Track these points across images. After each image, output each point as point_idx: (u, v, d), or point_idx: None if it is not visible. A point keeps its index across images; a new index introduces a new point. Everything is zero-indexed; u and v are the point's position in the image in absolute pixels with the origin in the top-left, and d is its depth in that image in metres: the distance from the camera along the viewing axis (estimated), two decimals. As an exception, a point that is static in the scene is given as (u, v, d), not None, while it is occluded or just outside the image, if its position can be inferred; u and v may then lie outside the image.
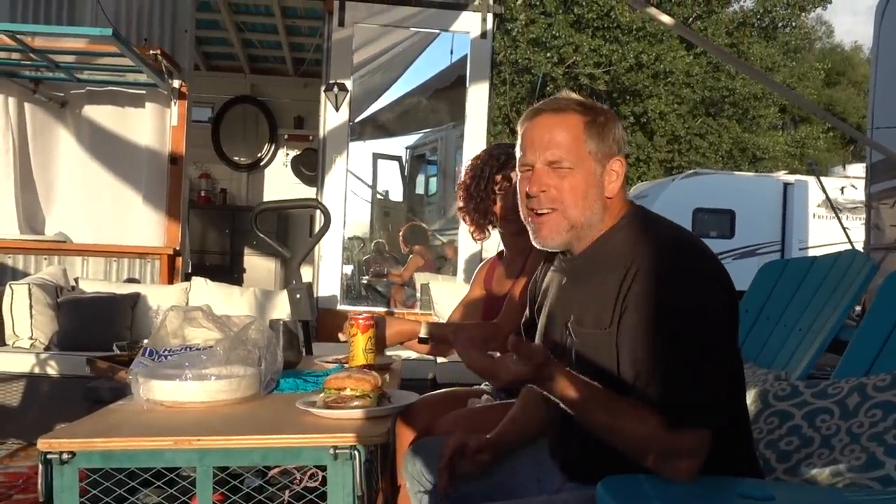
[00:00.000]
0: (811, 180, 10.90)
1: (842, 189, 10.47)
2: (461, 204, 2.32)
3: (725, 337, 1.29)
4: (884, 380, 1.65)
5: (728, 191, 11.92)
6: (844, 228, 6.90)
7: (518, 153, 1.45)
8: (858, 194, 9.40)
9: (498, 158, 2.21)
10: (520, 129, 1.46)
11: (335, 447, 1.40)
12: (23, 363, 3.83)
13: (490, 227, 2.30)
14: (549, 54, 16.85)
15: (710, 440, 1.22)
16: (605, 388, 1.27)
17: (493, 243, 5.34)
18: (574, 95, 1.46)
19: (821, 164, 16.38)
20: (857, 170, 10.66)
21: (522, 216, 1.46)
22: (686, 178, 12.46)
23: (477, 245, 5.49)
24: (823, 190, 7.38)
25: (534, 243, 1.45)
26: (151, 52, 4.80)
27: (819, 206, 11.19)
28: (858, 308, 3.79)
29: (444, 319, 4.39)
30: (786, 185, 11.82)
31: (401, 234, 8.19)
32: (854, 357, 1.83)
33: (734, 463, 1.33)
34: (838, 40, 28.10)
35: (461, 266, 5.61)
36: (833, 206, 7.81)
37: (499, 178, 2.19)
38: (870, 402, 1.63)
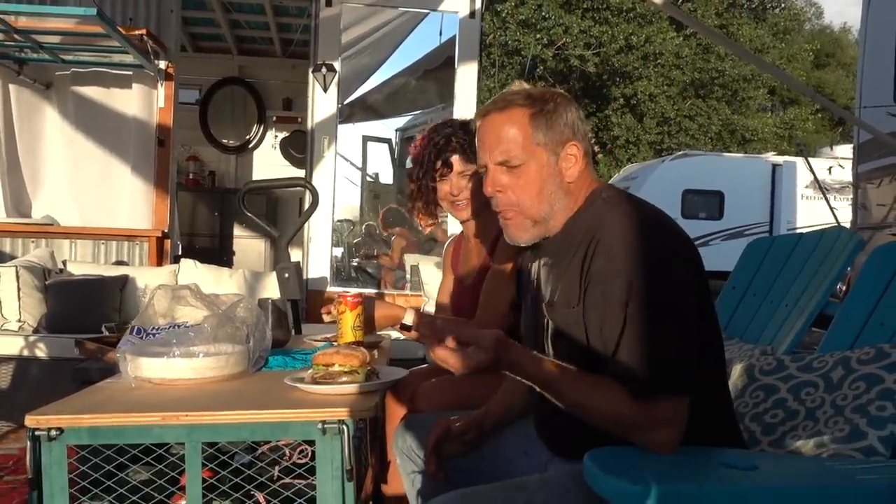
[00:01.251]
0: (799, 161, 10.94)
1: (829, 169, 10.52)
2: (408, 191, 2.25)
3: (688, 304, 1.27)
4: (868, 353, 1.67)
5: (717, 172, 11.96)
6: (832, 208, 6.95)
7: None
8: (846, 174, 9.44)
9: (436, 144, 2.13)
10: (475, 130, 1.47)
11: (323, 422, 1.40)
12: (11, 346, 3.82)
13: (438, 214, 2.26)
14: (538, 36, 16.81)
15: (687, 409, 1.22)
16: (571, 367, 1.29)
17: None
18: (524, 86, 1.45)
19: (809, 146, 16.45)
20: (845, 150, 10.71)
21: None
22: (675, 159, 12.49)
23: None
24: (811, 170, 7.41)
25: (507, 240, 1.47)
26: (137, 32, 4.76)
27: (807, 187, 11.25)
28: (843, 287, 3.82)
29: (433, 300, 4.41)
30: (774, 166, 11.87)
31: (379, 217, 8.17)
32: (839, 331, 1.84)
33: (717, 435, 1.34)
34: (828, 21, 28.14)
35: (451, 247, 5.60)
36: (821, 187, 7.85)
37: (438, 163, 2.11)
38: (854, 375, 1.65)
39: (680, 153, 13.46)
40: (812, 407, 1.67)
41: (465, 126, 2.16)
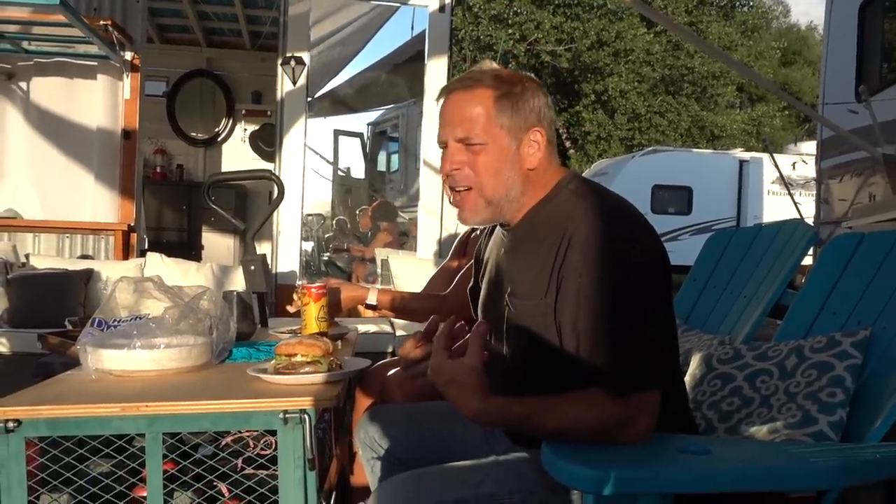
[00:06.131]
0: (766, 157, 11.12)
1: (793, 165, 10.73)
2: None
3: (662, 298, 1.28)
4: (820, 342, 1.71)
5: (686, 168, 12.13)
6: (796, 204, 7.06)
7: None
8: (810, 170, 9.62)
9: None
10: (437, 107, 1.44)
11: (285, 411, 1.41)
12: (-28, 341, 3.76)
13: None
14: (510, 31, 16.85)
15: (660, 399, 1.22)
16: (539, 399, 1.22)
17: (452, 217, 5.38)
18: (494, 66, 1.43)
19: (777, 143, 16.71)
20: (810, 147, 10.90)
21: (446, 195, 1.45)
22: (645, 155, 12.63)
23: (436, 220, 5.51)
24: (776, 166, 7.53)
25: (458, 221, 1.45)
26: (101, 22, 4.68)
27: (773, 182, 11.44)
28: (803, 279, 3.89)
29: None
30: (741, 161, 12.07)
31: (369, 210, 8.16)
32: (793, 321, 1.89)
33: (672, 422, 1.36)
34: (794, 20, 28.54)
35: (421, 240, 5.63)
36: (785, 182, 8.00)
37: None
38: (806, 363, 1.69)
39: (649, 149, 13.62)
40: (766, 394, 1.71)
41: None
